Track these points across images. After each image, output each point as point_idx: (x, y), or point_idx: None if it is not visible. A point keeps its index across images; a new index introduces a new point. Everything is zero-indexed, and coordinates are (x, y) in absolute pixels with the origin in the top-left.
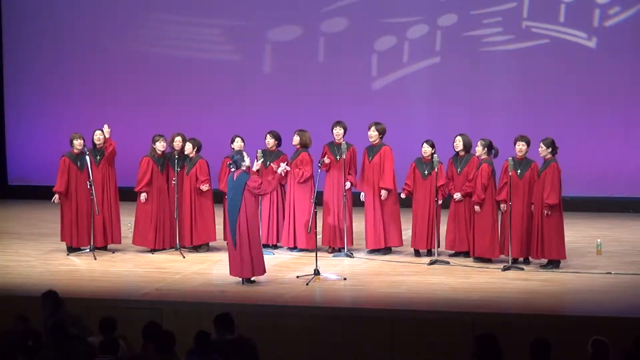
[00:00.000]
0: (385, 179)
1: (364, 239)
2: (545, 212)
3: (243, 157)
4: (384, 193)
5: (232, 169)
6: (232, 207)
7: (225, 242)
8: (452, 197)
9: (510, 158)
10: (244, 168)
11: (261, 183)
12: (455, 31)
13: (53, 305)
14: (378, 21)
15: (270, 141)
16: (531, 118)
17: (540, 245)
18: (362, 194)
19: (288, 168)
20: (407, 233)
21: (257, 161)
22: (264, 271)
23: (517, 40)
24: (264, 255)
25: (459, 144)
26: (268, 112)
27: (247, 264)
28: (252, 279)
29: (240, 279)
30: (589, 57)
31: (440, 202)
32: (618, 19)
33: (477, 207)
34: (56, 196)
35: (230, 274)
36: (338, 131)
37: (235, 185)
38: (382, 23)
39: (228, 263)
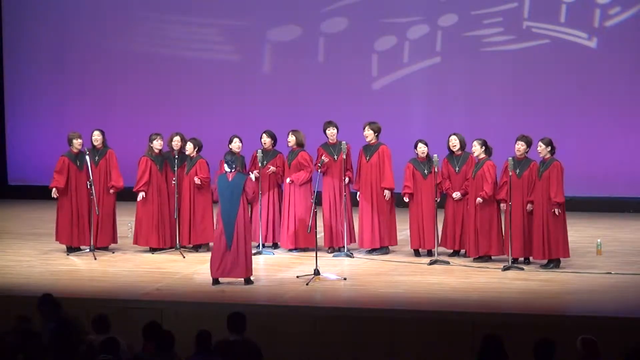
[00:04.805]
0: (387, 178)
1: (359, 238)
2: (555, 210)
3: (237, 159)
4: (387, 193)
5: (229, 170)
6: (228, 208)
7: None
8: (450, 196)
9: (511, 158)
10: (239, 169)
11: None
12: (455, 31)
13: (52, 309)
14: (378, 21)
15: (266, 140)
16: (531, 118)
17: (546, 245)
18: (359, 193)
19: (274, 169)
20: (405, 233)
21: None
22: (251, 272)
23: (517, 41)
24: (264, 255)
25: (455, 143)
26: (268, 112)
27: (242, 264)
28: (251, 278)
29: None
30: (589, 57)
31: (438, 200)
32: (618, 19)
33: (479, 200)
34: (55, 190)
35: (214, 275)
36: (332, 131)
37: (232, 186)
38: (382, 23)
39: (210, 264)
